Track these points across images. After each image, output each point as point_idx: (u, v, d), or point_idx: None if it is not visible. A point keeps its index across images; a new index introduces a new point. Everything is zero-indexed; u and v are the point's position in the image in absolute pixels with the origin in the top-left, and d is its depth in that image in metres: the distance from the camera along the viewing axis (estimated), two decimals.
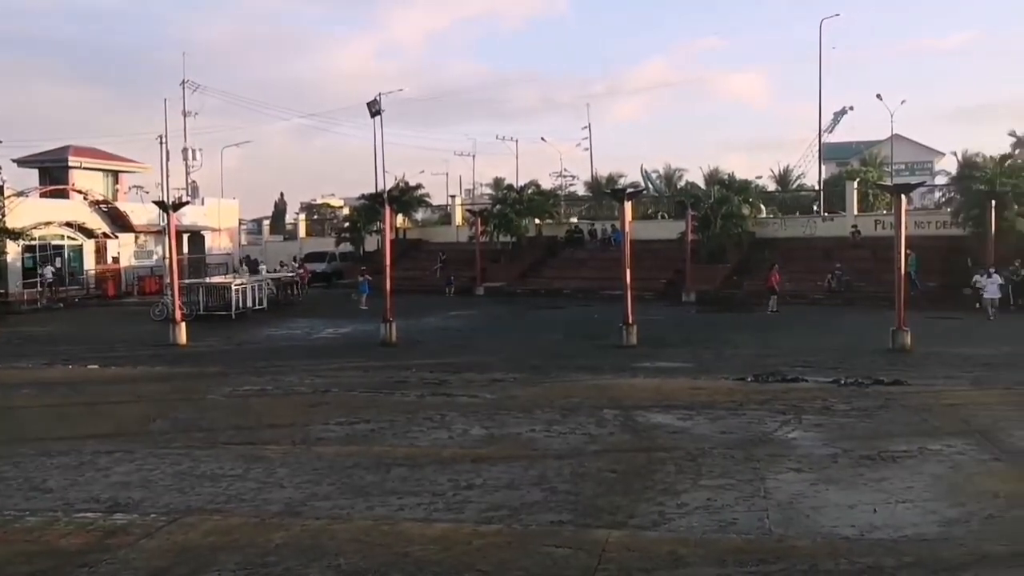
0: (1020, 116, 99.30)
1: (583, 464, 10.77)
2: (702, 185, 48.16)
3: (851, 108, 73.76)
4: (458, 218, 54.00)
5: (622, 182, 54.41)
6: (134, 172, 50.69)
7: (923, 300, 30.04)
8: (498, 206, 48.25)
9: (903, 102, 62.17)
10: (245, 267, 44.32)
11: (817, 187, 52.79)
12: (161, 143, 49.40)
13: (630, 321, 23.24)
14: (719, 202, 41.25)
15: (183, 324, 25.25)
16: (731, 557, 7.62)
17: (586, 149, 72.38)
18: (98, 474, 10.62)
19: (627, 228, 25.41)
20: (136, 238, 45.96)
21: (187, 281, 33.57)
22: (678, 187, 53.20)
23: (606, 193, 47.05)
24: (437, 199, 59.34)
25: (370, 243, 49.99)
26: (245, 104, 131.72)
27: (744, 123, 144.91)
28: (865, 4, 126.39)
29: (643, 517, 8.75)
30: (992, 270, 29.78)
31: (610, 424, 13.15)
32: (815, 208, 49.12)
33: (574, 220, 51.74)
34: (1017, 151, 50.22)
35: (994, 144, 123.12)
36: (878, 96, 60.11)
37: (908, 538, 8.03)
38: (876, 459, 10.69)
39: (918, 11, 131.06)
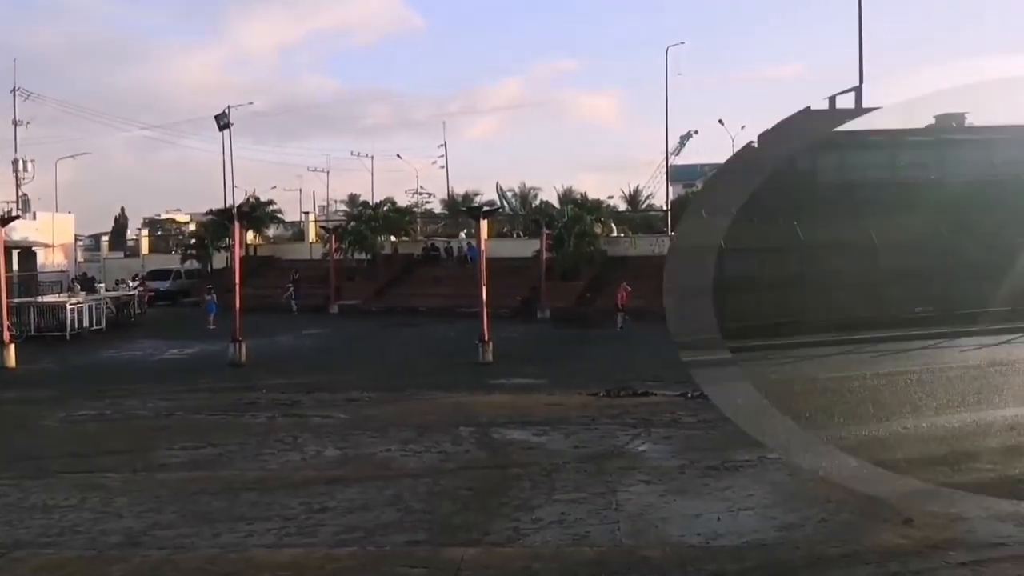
0: None
1: (438, 483, 10.74)
2: (556, 204, 49.20)
3: (696, 132, 76.76)
4: (312, 235, 53.09)
5: (478, 200, 54.93)
6: None
7: None
8: (353, 223, 47.81)
9: (743, 127, 65.41)
10: (77, 285, 41.82)
11: (665, 207, 54.80)
12: None
13: (486, 338, 23.40)
14: (573, 221, 42.25)
15: (12, 346, 24.06)
16: (584, 569, 7.75)
17: (442, 167, 72.68)
18: None
19: (483, 246, 25.63)
20: None
21: (17, 300, 31.58)
22: (533, 206, 54.07)
23: (462, 211, 47.32)
24: (290, 215, 58.38)
25: (219, 260, 48.46)
26: (82, 114, 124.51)
27: (597, 144, 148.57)
28: (708, 33, 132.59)
29: (498, 533, 8.78)
30: None
31: (466, 441, 13.16)
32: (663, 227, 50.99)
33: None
34: None
35: None
36: (720, 121, 63.09)
37: (749, 544, 8.39)
38: (720, 469, 11.13)
39: (757, 41, 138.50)
